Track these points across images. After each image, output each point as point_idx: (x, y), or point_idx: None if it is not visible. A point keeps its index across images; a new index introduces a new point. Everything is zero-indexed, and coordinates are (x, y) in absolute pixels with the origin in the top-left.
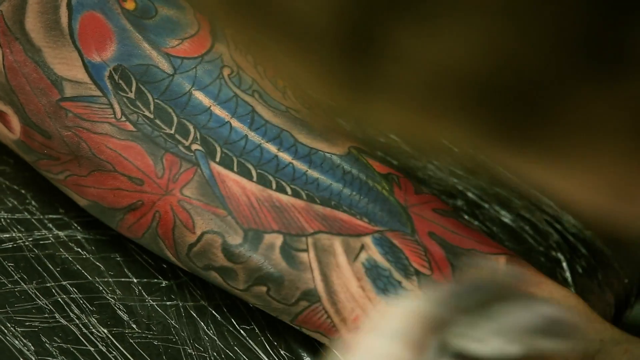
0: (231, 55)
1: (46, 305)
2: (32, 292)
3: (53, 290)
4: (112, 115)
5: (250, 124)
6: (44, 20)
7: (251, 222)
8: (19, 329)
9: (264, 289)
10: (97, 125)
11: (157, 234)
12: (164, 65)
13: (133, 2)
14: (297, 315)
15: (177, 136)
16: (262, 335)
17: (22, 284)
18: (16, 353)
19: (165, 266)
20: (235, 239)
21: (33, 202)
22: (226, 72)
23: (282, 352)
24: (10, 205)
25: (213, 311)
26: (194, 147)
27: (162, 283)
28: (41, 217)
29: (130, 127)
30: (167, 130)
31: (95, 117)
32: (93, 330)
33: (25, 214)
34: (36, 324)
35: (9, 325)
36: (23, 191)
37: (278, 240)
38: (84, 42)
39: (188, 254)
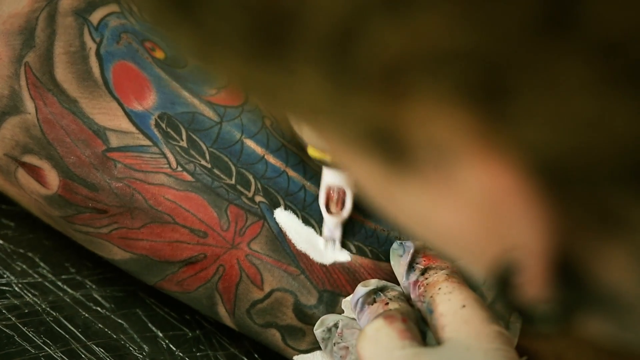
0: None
1: None
2: (58, 356)
3: (79, 352)
4: (167, 165)
5: (304, 173)
6: (75, 71)
7: (326, 283)
8: None
9: None
10: (152, 176)
11: (216, 288)
12: (209, 113)
13: (162, 52)
14: None
15: (238, 187)
16: None
17: (46, 348)
18: None
19: (188, 317)
20: (309, 300)
21: (42, 264)
22: (267, 122)
23: None
24: (19, 269)
25: (245, 358)
26: (258, 198)
27: (188, 334)
28: (53, 279)
29: (189, 177)
30: (228, 181)
31: (148, 167)
32: None
33: (37, 277)
34: None
35: None
36: (30, 254)
37: None
38: (121, 91)
39: (249, 310)
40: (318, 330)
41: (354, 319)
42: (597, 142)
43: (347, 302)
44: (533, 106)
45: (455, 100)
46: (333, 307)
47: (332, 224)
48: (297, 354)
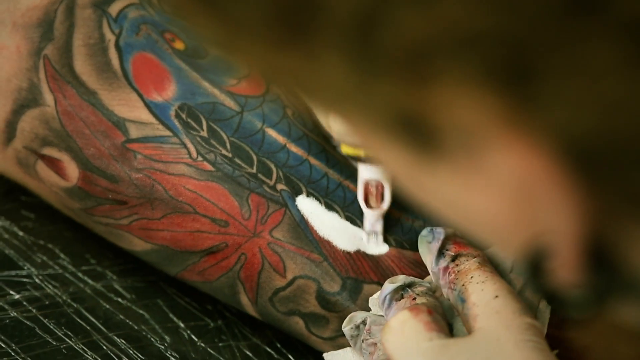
0: (285, 95)
1: (96, 359)
2: (80, 348)
3: (100, 343)
4: (187, 155)
5: (326, 161)
6: (94, 63)
7: (349, 270)
8: None
9: None
10: (172, 166)
11: (238, 276)
12: (230, 103)
13: (182, 43)
14: None
15: (260, 176)
16: None
17: (67, 340)
18: None
19: (209, 307)
20: (332, 287)
21: (62, 256)
22: (289, 111)
23: None
24: (40, 261)
25: (267, 348)
26: (279, 187)
27: (210, 325)
28: (74, 270)
29: (209, 167)
30: (249, 170)
31: (169, 157)
32: None
33: (57, 268)
34: None
35: None
36: (50, 246)
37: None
38: (141, 82)
39: (272, 298)
40: (346, 328)
41: (381, 316)
42: (625, 123)
43: (374, 300)
44: (560, 88)
45: (482, 84)
46: (356, 294)
47: (373, 218)
48: (322, 341)
